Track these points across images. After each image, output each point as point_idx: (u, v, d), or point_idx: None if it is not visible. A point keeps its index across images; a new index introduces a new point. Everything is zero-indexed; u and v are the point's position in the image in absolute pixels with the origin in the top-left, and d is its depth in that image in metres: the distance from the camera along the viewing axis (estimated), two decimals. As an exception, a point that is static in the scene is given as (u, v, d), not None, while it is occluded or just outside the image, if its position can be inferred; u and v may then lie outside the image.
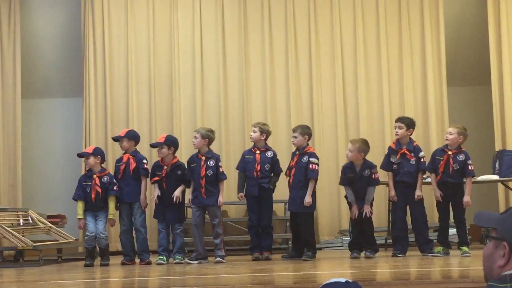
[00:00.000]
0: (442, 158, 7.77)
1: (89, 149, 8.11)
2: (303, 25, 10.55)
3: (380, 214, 9.67)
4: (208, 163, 7.74)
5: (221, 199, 7.73)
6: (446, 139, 7.82)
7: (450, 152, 7.76)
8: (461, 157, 7.76)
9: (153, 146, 8.21)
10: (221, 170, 7.81)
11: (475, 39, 11.05)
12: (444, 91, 10.47)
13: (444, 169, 7.74)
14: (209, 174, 7.72)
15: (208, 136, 7.83)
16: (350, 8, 10.58)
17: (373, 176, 7.88)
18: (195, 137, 7.88)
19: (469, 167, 7.75)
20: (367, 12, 10.60)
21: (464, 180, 7.84)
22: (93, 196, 7.77)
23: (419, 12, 10.61)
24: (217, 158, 7.84)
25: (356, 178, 7.87)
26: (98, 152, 7.98)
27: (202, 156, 7.80)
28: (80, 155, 8.33)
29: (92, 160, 7.87)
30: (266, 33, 10.51)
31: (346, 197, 8.11)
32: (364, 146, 7.89)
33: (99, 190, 7.77)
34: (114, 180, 7.88)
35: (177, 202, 7.76)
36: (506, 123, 10.23)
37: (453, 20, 11.09)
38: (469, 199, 7.74)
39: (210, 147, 7.94)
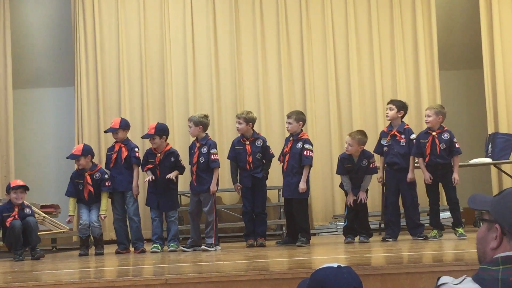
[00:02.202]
0: (427, 140, 7.73)
1: (77, 151, 7.91)
2: (294, 11, 10.51)
3: (374, 199, 9.70)
4: (202, 150, 7.71)
5: (212, 187, 7.62)
6: (427, 122, 7.80)
7: (434, 133, 7.73)
8: (446, 136, 7.72)
9: (144, 138, 8.16)
10: (213, 157, 7.68)
11: (466, 22, 11.04)
12: (436, 75, 10.46)
13: (431, 151, 7.69)
14: (201, 161, 7.68)
15: (201, 123, 7.76)
16: (341, -6, 10.55)
17: (371, 166, 7.89)
18: (189, 126, 7.83)
19: (456, 145, 7.73)
20: (358, -3, 10.57)
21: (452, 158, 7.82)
22: (85, 194, 7.78)
23: (411, -4, 10.59)
24: (210, 145, 7.73)
25: (354, 169, 7.86)
26: (87, 152, 7.89)
27: (198, 142, 7.79)
28: (70, 158, 8.05)
29: (83, 160, 7.82)
30: (258, 20, 10.46)
31: (340, 186, 8.12)
32: (363, 138, 7.88)
33: (91, 189, 7.78)
34: (106, 176, 7.87)
35: (172, 180, 7.71)
36: (498, 106, 10.24)
37: (445, 3, 11.09)
38: (457, 176, 7.74)
39: (207, 132, 7.90)
